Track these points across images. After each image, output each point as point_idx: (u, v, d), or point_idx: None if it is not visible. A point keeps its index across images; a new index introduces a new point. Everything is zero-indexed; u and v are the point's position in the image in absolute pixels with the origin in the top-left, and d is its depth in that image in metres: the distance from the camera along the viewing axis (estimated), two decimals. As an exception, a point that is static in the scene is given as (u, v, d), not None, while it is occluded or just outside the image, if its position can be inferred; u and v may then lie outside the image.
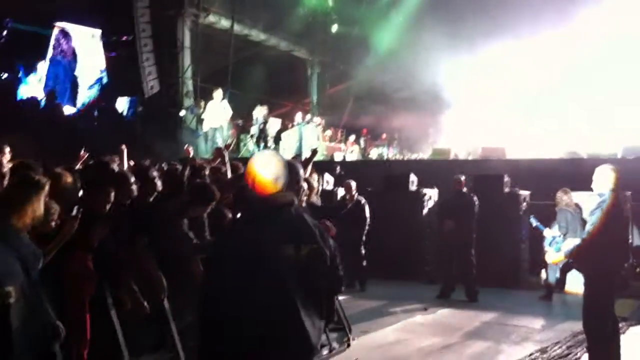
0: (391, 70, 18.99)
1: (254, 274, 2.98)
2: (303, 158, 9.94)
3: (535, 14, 17.26)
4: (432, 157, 16.21)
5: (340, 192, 11.95)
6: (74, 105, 19.57)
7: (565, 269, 10.67)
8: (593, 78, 16.10)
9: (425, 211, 12.79)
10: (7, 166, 5.65)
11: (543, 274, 10.82)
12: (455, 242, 10.63)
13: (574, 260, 6.19)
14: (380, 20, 21.17)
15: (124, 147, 7.35)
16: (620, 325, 7.90)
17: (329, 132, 19.75)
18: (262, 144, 17.72)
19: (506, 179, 12.08)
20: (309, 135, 17.68)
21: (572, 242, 6.40)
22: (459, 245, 10.61)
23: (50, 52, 20.16)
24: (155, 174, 6.07)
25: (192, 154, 7.55)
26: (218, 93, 17.20)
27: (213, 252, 3.48)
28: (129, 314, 5.26)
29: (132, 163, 7.56)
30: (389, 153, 19.77)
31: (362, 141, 20.93)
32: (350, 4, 22.40)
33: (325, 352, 7.08)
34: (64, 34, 20.27)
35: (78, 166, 7.22)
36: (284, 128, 18.63)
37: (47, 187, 4.11)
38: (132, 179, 5.67)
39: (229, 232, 3.40)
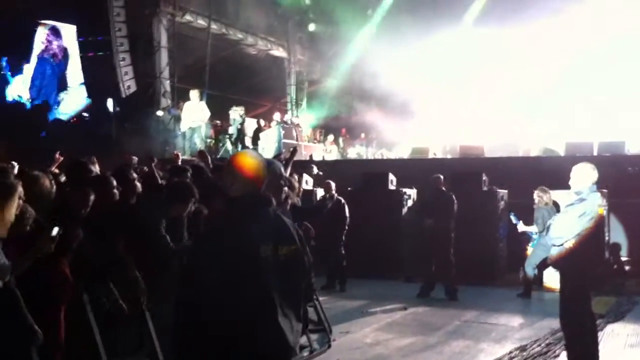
0: (368, 68, 18.98)
1: (231, 275, 2.95)
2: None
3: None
4: (411, 155, 16.25)
5: (320, 192, 11.93)
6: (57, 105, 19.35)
7: (541, 266, 10.76)
8: (595, 76, 16.19)
9: (404, 210, 12.82)
10: None
11: (521, 271, 10.88)
12: (435, 240, 10.65)
13: (550, 260, 6.21)
14: (357, 18, 21.17)
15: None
16: (598, 322, 8.00)
17: (307, 132, 19.73)
18: (239, 144, 17.64)
19: (484, 177, 12.15)
20: (287, 135, 17.64)
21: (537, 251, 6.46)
22: (438, 244, 10.62)
23: (37, 50, 19.90)
24: (134, 175, 5.99)
25: (180, 158, 7.52)
26: (195, 93, 17.11)
27: (190, 252, 3.44)
28: (107, 316, 5.19)
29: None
30: (368, 152, 19.78)
31: (340, 140, 20.93)
32: (327, 2, 22.37)
33: (306, 353, 7.05)
34: (55, 31, 19.98)
35: (53, 168, 7.14)
36: (260, 128, 18.54)
37: (19, 190, 4.04)
38: (114, 183, 5.57)
39: (206, 232, 3.36)
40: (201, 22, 19.72)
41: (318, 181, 12.55)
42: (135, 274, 5.35)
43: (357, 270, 11.68)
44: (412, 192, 13.04)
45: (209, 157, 7.50)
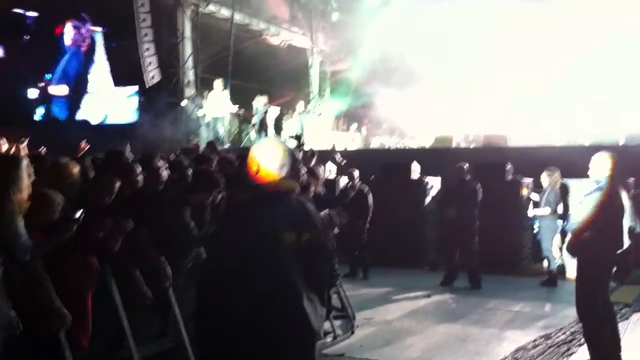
0: (390, 57, 18.91)
1: (255, 261, 2.98)
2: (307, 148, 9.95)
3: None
4: (434, 145, 16.18)
5: (342, 181, 11.94)
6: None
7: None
8: (600, 70, 16.01)
9: (427, 199, 12.79)
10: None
11: (545, 262, 10.84)
12: (458, 230, 10.64)
13: (567, 246, 6.20)
14: (380, 7, 21.05)
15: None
16: (623, 310, 7.98)
17: (330, 121, 19.72)
18: (263, 133, 17.69)
19: (508, 167, 12.08)
20: (309, 124, 17.66)
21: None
22: (462, 233, 10.61)
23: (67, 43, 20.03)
24: (160, 163, 6.03)
25: (200, 147, 7.57)
26: (218, 83, 17.15)
27: (214, 238, 3.47)
28: (132, 302, 5.25)
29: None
30: (391, 141, 19.72)
31: (363, 130, 20.89)
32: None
33: (329, 339, 7.10)
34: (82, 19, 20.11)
35: (78, 156, 7.24)
36: (281, 116, 18.57)
37: (25, 164, 4.03)
38: (139, 170, 5.62)
39: (229, 219, 3.38)
40: (224, 12, 19.77)
41: (341, 170, 12.55)
42: (159, 261, 5.40)
43: (380, 259, 11.69)
44: (435, 181, 13.00)
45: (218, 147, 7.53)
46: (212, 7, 19.46)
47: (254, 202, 3.19)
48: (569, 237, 6.18)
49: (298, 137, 8.85)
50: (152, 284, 5.40)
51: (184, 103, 17.95)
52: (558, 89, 16.43)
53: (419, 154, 14.47)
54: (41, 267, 4.16)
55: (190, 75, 18.70)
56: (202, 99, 17.77)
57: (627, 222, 6.01)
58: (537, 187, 11.68)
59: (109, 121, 18.78)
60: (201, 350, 3.19)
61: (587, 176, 6.23)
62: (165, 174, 6.00)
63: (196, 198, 5.78)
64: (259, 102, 18.12)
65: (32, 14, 19.63)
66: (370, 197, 11.20)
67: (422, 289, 10.14)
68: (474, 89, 17.74)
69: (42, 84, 19.82)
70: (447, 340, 7.37)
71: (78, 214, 4.30)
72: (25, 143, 7.73)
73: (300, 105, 18.42)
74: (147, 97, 17.93)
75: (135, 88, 18.59)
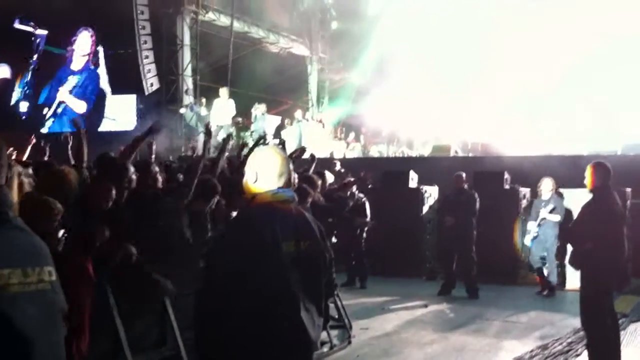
0: (389, 66, 18.97)
1: (253, 270, 2.97)
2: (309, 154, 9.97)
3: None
4: (433, 153, 16.19)
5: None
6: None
7: (563, 266, 10.82)
8: (596, 77, 16.05)
9: (425, 208, 12.80)
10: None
11: (545, 271, 10.84)
12: (456, 238, 10.65)
13: (570, 257, 6.22)
14: (379, 16, 21.12)
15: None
16: (620, 321, 7.96)
17: (328, 129, 19.73)
18: (261, 142, 17.68)
19: (506, 175, 12.10)
20: (308, 132, 17.68)
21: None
22: (460, 242, 10.62)
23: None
24: (156, 169, 6.04)
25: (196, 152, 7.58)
26: (224, 91, 17.24)
27: (213, 246, 3.47)
28: (130, 310, 5.25)
29: None
30: (389, 150, 19.74)
31: (362, 138, 20.91)
32: (350, 0, 22.36)
33: (326, 349, 7.09)
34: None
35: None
36: (282, 125, 18.62)
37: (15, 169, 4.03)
38: (132, 169, 5.64)
39: (228, 227, 3.38)
40: (224, 20, 19.83)
41: (340, 179, 12.55)
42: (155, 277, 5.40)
43: (377, 268, 11.71)
44: (433, 190, 13.02)
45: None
46: (211, 15, 19.52)
47: (252, 211, 3.18)
48: (570, 248, 6.19)
49: (282, 143, 8.89)
50: (150, 293, 5.41)
51: (182, 110, 17.98)
52: (558, 89, 16.46)
53: (417, 163, 14.49)
54: None
55: (189, 82, 18.73)
56: (201, 107, 17.79)
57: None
58: (535, 197, 11.70)
59: (107, 129, 18.76)
60: (199, 357, 3.18)
61: (584, 186, 6.26)
62: (161, 179, 6.01)
63: (195, 205, 5.80)
64: (258, 110, 18.14)
65: (42, 32, 19.66)
66: (367, 206, 11.19)
67: (419, 299, 10.14)
68: (473, 92, 17.75)
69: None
70: (445, 350, 7.37)
71: (60, 234, 4.31)
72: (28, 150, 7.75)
73: (298, 113, 18.44)
74: (146, 104, 17.96)
75: (134, 96, 18.59)
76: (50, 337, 2.42)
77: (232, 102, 17.23)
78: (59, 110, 19.69)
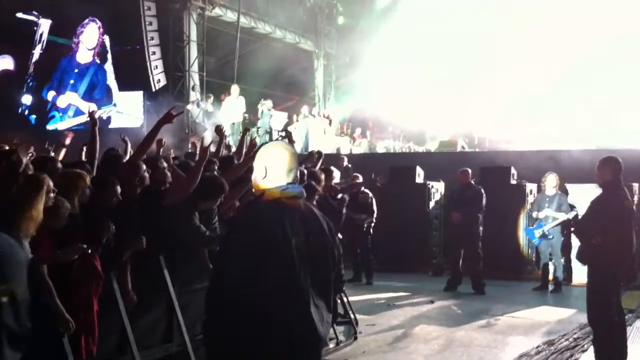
0: (395, 61, 18.95)
1: (264, 266, 2.98)
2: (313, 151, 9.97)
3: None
4: (439, 149, 16.17)
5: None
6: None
7: (569, 261, 10.81)
8: (600, 70, 15.99)
9: (431, 204, 12.80)
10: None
11: (551, 266, 10.82)
12: (463, 234, 10.64)
13: (577, 253, 6.21)
14: (385, 11, 21.07)
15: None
16: (627, 317, 7.94)
17: (335, 125, 19.74)
18: (268, 137, 17.72)
19: (513, 170, 12.08)
20: (314, 128, 17.69)
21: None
22: (466, 238, 10.61)
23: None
24: (165, 164, 6.04)
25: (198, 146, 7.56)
26: (235, 88, 17.30)
27: (223, 243, 3.46)
28: (136, 307, 5.28)
29: None
30: (396, 146, 19.73)
31: (368, 134, 20.91)
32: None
33: (332, 345, 7.10)
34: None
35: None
36: (290, 121, 18.65)
37: (47, 184, 4.09)
38: (144, 168, 5.64)
39: (238, 223, 3.38)
40: (230, 16, 19.84)
41: (346, 175, 12.55)
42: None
43: (383, 264, 11.72)
44: (439, 186, 13.01)
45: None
46: (218, 11, 19.53)
47: (261, 207, 3.17)
48: (577, 243, 6.16)
49: (288, 134, 8.86)
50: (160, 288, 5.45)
51: (189, 107, 18.00)
52: (558, 89, 16.41)
53: (424, 158, 14.48)
54: (44, 274, 4.20)
55: (195, 79, 18.75)
56: (207, 103, 17.82)
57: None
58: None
59: (114, 125, 18.82)
60: (208, 352, 3.19)
61: (590, 181, 6.25)
62: (168, 173, 6.02)
63: (204, 204, 5.80)
64: (264, 106, 18.16)
65: (45, 20, 19.70)
66: (374, 202, 11.20)
67: (425, 294, 10.15)
68: (476, 90, 17.71)
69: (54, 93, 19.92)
70: (451, 345, 7.37)
71: (85, 247, 4.34)
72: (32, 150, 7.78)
73: (305, 109, 18.45)
74: (153, 100, 17.99)
75: (141, 93, 18.63)
76: None
77: (242, 99, 17.32)
78: (70, 113, 19.80)
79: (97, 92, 19.63)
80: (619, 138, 13.86)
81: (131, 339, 5.06)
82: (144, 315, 5.45)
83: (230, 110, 17.10)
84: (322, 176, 7.63)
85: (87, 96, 19.62)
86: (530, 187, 11.99)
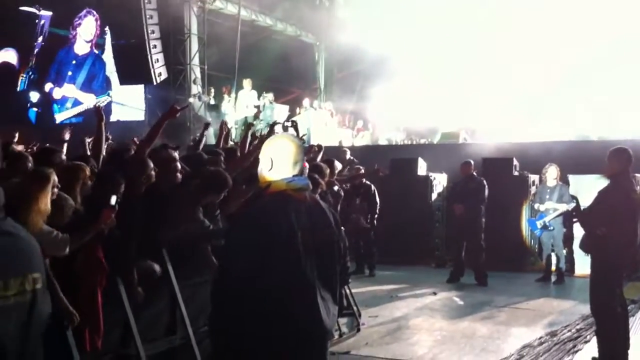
0: (396, 53, 18.89)
1: (270, 259, 2.97)
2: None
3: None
4: (441, 140, 16.14)
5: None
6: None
7: (572, 252, 10.82)
8: (600, 70, 15.94)
9: (434, 196, 12.80)
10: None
11: (553, 257, 10.83)
12: (465, 226, 10.65)
13: (581, 242, 6.21)
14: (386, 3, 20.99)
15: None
16: (630, 307, 7.95)
17: (337, 118, 19.71)
18: (269, 130, 17.70)
19: (515, 162, 12.07)
20: (316, 120, 17.67)
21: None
22: (469, 230, 10.62)
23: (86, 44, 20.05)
24: (178, 165, 6.03)
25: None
26: (247, 82, 17.39)
27: (228, 235, 3.45)
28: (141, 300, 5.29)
29: None
30: (397, 138, 19.69)
31: (370, 126, 20.87)
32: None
33: (335, 336, 7.11)
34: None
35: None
36: (292, 114, 18.63)
37: (53, 179, 4.11)
38: (152, 166, 5.63)
39: (243, 215, 3.37)
40: (231, 8, 19.78)
41: (350, 167, 12.54)
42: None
43: (386, 256, 11.72)
44: (442, 178, 13.00)
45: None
46: (219, 4, 19.48)
47: (267, 200, 3.15)
48: (580, 234, 6.15)
49: (294, 124, 8.84)
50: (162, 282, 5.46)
51: (191, 100, 17.98)
52: (558, 89, 16.38)
53: (426, 150, 14.47)
54: (47, 266, 4.21)
55: (197, 72, 18.72)
56: (209, 96, 17.82)
57: None
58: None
59: (115, 118, 18.83)
60: (213, 346, 3.19)
61: (593, 172, 6.24)
62: (180, 176, 6.02)
63: (207, 199, 5.81)
64: (265, 99, 18.16)
65: (46, 12, 19.68)
66: (377, 194, 11.20)
67: (428, 286, 10.17)
68: (474, 89, 17.65)
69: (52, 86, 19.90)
70: (454, 337, 7.39)
71: (113, 201, 4.36)
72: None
73: (307, 101, 18.44)
74: (154, 94, 17.98)
75: (142, 87, 18.62)
76: (24, 350, 2.37)
77: (254, 93, 17.41)
78: (69, 104, 19.79)
79: (96, 83, 19.62)
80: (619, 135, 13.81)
81: (135, 331, 5.07)
82: (148, 308, 5.46)
83: (245, 104, 17.17)
84: (327, 170, 7.64)
85: (86, 87, 19.61)
86: (533, 178, 11.98)
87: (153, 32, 17.48)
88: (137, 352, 5.07)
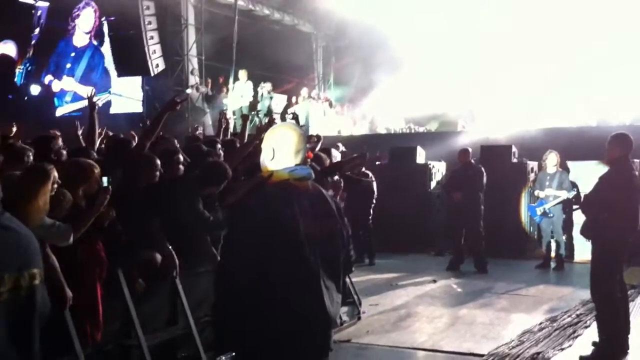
0: (395, 41, 18.84)
1: (273, 248, 2.97)
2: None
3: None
4: (439, 129, 16.13)
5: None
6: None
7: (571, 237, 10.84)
8: (600, 70, 15.91)
9: (432, 184, 12.80)
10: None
11: (553, 244, 10.85)
12: (464, 214, 10.66)
13: (582, 228, 6.22)
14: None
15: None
16: (630, 292, 7.97)
17: (335, 107, 19.68)
18: (267, 120, 17.69)
19: (514, 149, 12.06)
20: (315, 110, 17.64)
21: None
22: (468, 217, 10.63)
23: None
24: (180, 158, 6.04)
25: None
26: (243, 73, 17.31)
27: (231, 225, 3.44)
28: (141, 290, 5.31)
29: None
30: (396, 126, 19.66)
31: (368, 115, 20.83)
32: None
33: (336, 325, 7.13)
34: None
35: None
36: (290, 104, 18.61)
37: (53, 175, 4.10)
38: (159, 164, 5.62)
39: (246, 205, 3.36)
40: (228, -2, 19.70)
41: (345, 156, 12.52)
42: (167, 250, 5.46)
43: (385, 245, 11.73)
44: (440, 166, 13.00)
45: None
46: (215, -6, 19.40)
47: (269, 189, 3.12)
48: (580, 220, 6.15)
49: (295, 117, 8.87)
50: (161, 272, 5.47)
51: (189, 91, 17.94)
52: (558, 89, 16.35)
53: (424, 138, 14.46)
54: (48, 252, 4.23)
55: (194, 62, 18.66)
56: (207, 87, 17.78)
57: None
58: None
59: (114, 111, 18.79)
60: (217, 335, 3.19)
61: (592, 158, 6.23)
62: (182, 169, 6.03)
63: (207, 191, 5.81)
64: (263, 89, 18.12)
65: (43, 3, 19.60)
66: (375, 183, 11.19)
67: (428, 274, 10.19)
68: (475, 90, 17.61)
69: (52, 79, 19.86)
70: (454, 324, 7.41)
71: (105, 182, 4.37)
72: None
73: (305, 91, 18.40)
74: (152, 86, 17.93)
75: (139, 78, 18.56)
76: (12, 351, 2.34)
77: (250, 84, 17.35)
78: (68, 98, 19.75)
79: (95, 75, 19.57)
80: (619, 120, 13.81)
81: (136, 322, 5.09)
82: (149, 299, 5.47)
83: (240, 95, 17.12)
84: (327, 161, 7.64)
85: (85, 79, 19.55)
86: (532, 165, 11.98)
87: (150, 23, 17.42)
88: (138, 342, 5.09)
